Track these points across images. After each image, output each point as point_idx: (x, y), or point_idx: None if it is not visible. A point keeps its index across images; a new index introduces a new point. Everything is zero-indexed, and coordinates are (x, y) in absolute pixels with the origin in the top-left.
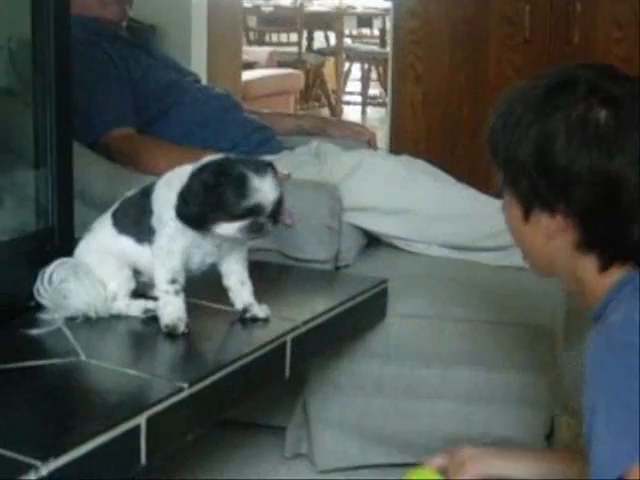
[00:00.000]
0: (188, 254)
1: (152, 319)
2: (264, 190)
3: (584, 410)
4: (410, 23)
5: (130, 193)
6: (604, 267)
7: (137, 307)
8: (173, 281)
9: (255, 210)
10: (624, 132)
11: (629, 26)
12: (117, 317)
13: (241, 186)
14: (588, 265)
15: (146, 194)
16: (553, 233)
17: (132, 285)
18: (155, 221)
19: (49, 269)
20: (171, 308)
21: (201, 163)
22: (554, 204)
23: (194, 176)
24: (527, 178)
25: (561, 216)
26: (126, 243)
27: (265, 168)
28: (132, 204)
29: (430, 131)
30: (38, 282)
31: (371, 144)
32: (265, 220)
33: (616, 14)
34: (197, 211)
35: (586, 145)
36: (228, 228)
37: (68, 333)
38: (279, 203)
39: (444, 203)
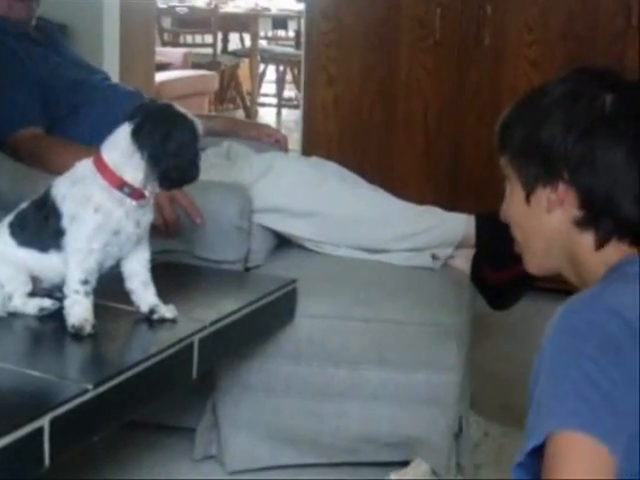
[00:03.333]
0: (106, 250)
1: (50, 318)
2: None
3: (532, 372)
4: (323, 25)
5: (24, 205)
6: (600, 244)
7: (33, 305)
8: (85, 282)
9: (197, 138)
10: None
11: (539, 29)
12: (19, 317)
13: (186, 120)
14: (585, 242)
15: (43, 201)
16: (553, 205)
17: (28, 288)
18: (66, 222)
19: None
20: (79, 308)
21: (132, 126)
22: (557, 175)
23: (157, 137)
24: (534, 155)
25: (563, 185)
26: (27, 255)
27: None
28: (29, 214)
29: (342, 133)
30: None
31: (282, 146)
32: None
33: (526, 17)
34: (192, 155)
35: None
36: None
37: None
38: None
39: (354, 205)
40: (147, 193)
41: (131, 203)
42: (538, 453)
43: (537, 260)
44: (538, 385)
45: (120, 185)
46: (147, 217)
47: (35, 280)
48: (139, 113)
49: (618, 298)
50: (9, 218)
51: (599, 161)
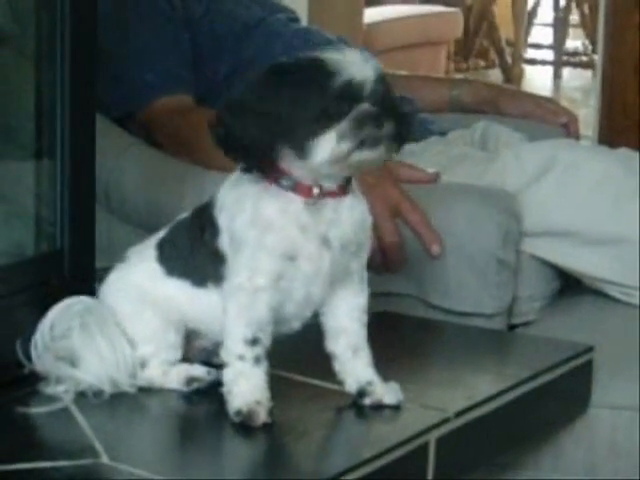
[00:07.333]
0: (281, 288)
1: (204, 397)
2: (354, 61)
3: None
4: None
5: (185, 214)
6: None
7: (177, 376)
8: (254, 341)
9: (350, 94)
10: None
11: None
12: (154, 394)
13: (319, 67)
14: None
15: (202, 210)
16: None
17: (177, 355)
18: (224, 241)
19: (49, 316)
20: (246, 385)
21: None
22: None
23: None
24: None
25: None
26: (178, 289)
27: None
28: (185, 229)
29: None
30: (36, 336)
31: (571, 131)
32: (374, 110)
33: None
34: (252, 132)
35: None
36: (322, 146)
37: (80, 418)
38: (384, 86)
39: None
40: (315, 189)
41: (299, 202)
42: None
43: None
44: None
45: (275, 175)
46: (341, 230)
47: (190, 335)
48: None
49: None
50: (160, 235)
51: None
